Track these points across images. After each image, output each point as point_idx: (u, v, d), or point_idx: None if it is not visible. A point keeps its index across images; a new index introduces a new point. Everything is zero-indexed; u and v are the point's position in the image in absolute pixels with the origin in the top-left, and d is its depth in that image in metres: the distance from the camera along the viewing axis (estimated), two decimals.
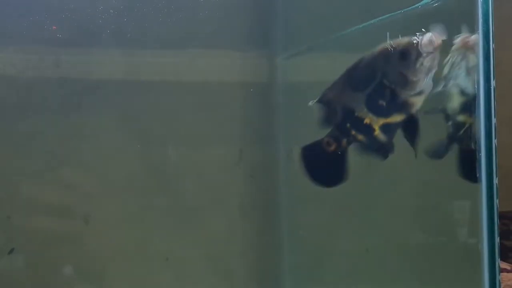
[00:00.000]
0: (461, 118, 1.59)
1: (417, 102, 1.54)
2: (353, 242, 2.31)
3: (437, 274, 2.08)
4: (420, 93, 1.52)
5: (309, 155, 1.74)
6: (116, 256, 2.28)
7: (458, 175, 1.72)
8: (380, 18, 1.78)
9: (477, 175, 1.47)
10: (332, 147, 1.67)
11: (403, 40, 1.53)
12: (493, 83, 1.42)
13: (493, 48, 1.42)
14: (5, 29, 2.09)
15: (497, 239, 1.45)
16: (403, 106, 1.55)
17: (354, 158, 2.08)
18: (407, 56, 1.50)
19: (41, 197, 2.17)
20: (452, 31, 1.62)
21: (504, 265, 2.18)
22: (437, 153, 1.78)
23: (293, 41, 2.38)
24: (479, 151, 1.44)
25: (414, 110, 1.55)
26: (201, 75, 2.32)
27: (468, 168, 1.67)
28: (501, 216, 1.50)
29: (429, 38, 1.47)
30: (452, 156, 1.94)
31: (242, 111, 2.38)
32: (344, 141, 1.66)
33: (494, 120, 1.43)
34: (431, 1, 1.62)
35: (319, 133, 1.81)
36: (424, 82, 1.51)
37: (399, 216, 2.20)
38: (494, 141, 1.43)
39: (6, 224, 2.14)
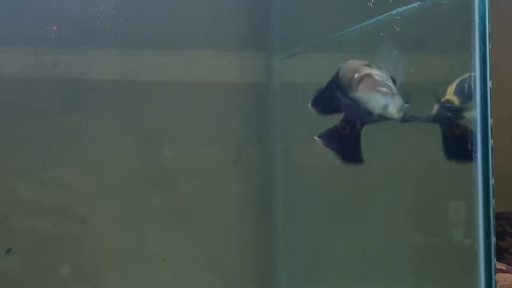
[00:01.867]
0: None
1: (394, 114, 1.57)
2: (349, 241, 2.32)
3: (433, 274, 2.08)
4: (388, 110, 1.55)
5: (331, 139, 1.76)
6: (113, 256, 2.28)
7: (444, 158, 1.73)
8: (376, 18, 1.78)
9: (462, 154, 1.49)
10: (346, 131, 1.69)
11: (347, 74, 1.57)
12: (489, 84, 1.42)
13: (489, 49, 1.42)
14: (2, 29, 2.09)
15: (493, 239, 1.45)
16: (384, 118, 1.58)
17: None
18: (351, 91, 1.54)
19: (38, 197, 2.17)
20: (449, 32, 1.63)
21: (499, 265, 2.18)
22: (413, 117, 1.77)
23: (290, 42, 2.38)
24: (476, 152, 1.43)
25: (396, 118, 1.58)
26: (198, 76, 2.32)
27: (452, 149, 1.68)
28: (497, 217, 1.49)
29: (355, 80, 1.51)
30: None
31: (239, 112, 2.39)
32: (358, 123, 1.68)
33: (490, 121, 1.43)
34: (427, 1, 1.62)
35: (315, 133, 1.82)
36: (386, 101, 1.54)
37: (395, 216, 2.20)
38: (491, 142, 1.43)
39: (3, 224, 2.14)
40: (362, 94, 1.56)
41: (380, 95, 1.54)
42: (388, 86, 1.58)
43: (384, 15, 1.75)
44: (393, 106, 1.56)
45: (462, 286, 1.87)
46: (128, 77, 2.25)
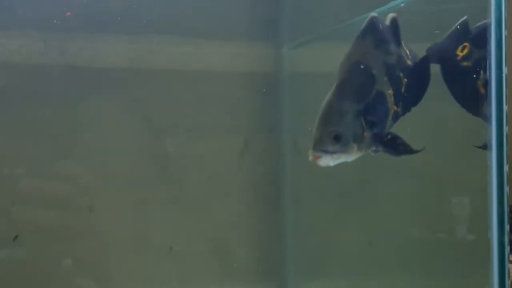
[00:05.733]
0: None
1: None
2: (356, 234, 2.31)
3: (444, 265, 2.08)
4: None
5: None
6: (119, 245, 2.27)
7: None
8: (388, 5, 1.77)
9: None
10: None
11: None
12: (505, 70, 1.41)
13: (505, 36, 1.41)
14: (10, 15, 2.08)
15: (507, 227, 1.44)
16: None
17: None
18: None
19: (45, 185, 2.16)
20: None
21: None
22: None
23: (299, 32, 2.37)
24: (490, 139, 1.43)
25: None
26: (207, 64, 2.31)
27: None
28: None
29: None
30: (457, 152, 1.95)
31: (247, 101, 2.38)
32: None
33: (505, 108, 1.42)
34: None
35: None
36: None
37: (403, 208, 2.19)
38: (506, 128, 1.42)
39: (10, 212, 2.13)
40: None
41: None
42: None
43: (397, 2, 1.74)
44: None
45: (475, 276, 1.86)
46: (136, 66, 2.24)
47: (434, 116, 1.91)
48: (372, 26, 1.61)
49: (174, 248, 2.31)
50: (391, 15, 1.64)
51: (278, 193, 2.42)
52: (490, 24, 1.42)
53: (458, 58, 1.64)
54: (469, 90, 1.59)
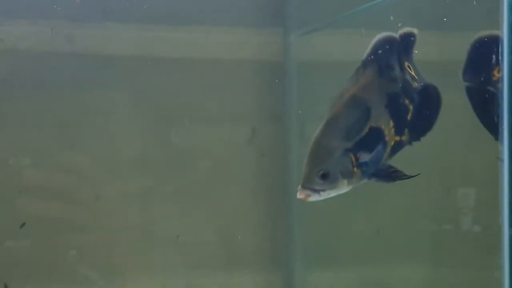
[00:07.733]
0: None
1: None
2: (364, 222, 2.31)
3: (451, 254, 2.07)
4: None
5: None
6: (126, 234, 2.27)
7: None
8: None
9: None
10: None
11: None
12: None
13: None
14: (17, 2, 2.08)
15: None
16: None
17: None
18: None
19: (52, 174, 2.16)
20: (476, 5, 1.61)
21: None
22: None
23: (307, 19, 2.36)
24: (502, 125, 1.41)
25: None
26: (214, 52, 2.30)
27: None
28: None
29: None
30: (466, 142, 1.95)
31: (255, 89, 2.37)
32: None
33: None
34: None
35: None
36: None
37: (411, 197, 2.19)
38: None
39: (17, 200, 2.13)
40: None
41: None
42: None
43: None
44: None
45: (485, 265, 1.85)
46: (144, 53, 2.24)
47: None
48: (376, 52, 1.56)
49: (181, 238, 2.31)
50: (407, 29, 1.60)
51: (285, 181, 2.41)
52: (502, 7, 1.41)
53: (494, 79, 1.59)
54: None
